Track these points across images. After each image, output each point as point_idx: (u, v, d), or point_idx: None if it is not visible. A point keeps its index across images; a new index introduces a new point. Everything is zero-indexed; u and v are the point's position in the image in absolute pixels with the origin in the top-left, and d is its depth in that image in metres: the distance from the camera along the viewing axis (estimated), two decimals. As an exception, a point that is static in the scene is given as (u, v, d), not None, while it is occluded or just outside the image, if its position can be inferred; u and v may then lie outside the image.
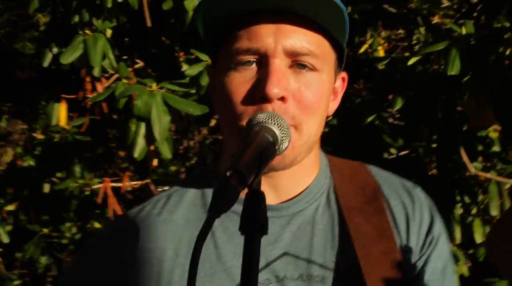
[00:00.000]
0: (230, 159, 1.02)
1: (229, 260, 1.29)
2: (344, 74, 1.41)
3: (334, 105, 1.40)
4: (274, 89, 1.20)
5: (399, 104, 2.34)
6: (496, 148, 3.11)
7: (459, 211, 2.93)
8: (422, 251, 1.36)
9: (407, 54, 3.86)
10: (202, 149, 4.41)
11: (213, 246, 1.30)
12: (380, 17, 3.78)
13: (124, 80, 3.06)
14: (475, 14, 3.02)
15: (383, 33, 3.76)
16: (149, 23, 3.52)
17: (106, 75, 3.50)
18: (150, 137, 2.93)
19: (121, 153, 4.58)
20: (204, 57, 3.42)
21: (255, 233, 0.97)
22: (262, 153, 1.06)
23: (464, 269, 3.02)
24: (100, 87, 3.48)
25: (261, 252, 0.97)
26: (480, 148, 3.06)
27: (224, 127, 1.34)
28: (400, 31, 3.85)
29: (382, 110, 2.64)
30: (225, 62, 1.29)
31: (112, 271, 1.34)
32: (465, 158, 2.73)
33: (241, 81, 1.25)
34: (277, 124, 1.15)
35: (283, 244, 1.31)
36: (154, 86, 2.92)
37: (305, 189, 1.36)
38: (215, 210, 0.92)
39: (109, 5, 3.26)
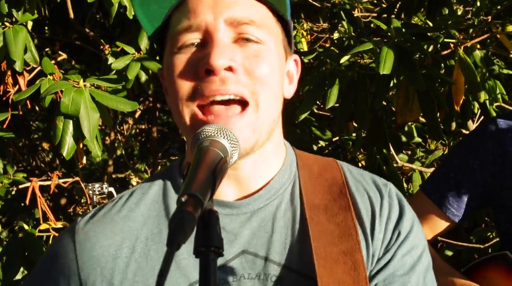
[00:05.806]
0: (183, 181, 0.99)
1: (184, 258, 1.27)
2: (296, 57, 1.38)
3: (291, 88, 1.38)
4: (219, 59, 1.17)
5: (332, 101, 2.38)
6: (417, 139, 3.29)
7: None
8: (388, 247, 1.31)
9: (327, 45, 3.96)
10: (128, 140, 4.35)
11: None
12: (303, 9, 3.85)
13: (50, 77, 2.95)
14: (395, 10, 3.13)
15: (305, 25, 3.83)
16: (71, 15, 3.42)
17: (28, 68, 3.37)
18: (78, 135, 2.86)
19: (45, 145, 4.44)
20: (130, 49, 3.35)
21: (210, 255, 0.92)
22: (215, 171, 1.01)
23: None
24: (22, 82, 3.35)
25: None
26: (403, 139, 3.22)
27: (178, 125, 1.31)
28: (322, 24, 3.93)
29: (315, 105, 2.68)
30: (170, 48, 1.27)
31: (67, 278, 1.31)
32: (392, 150, 2.86)
33: (184, 59, 1.23)
34: (226, 137, 1.11)
35: (242, 242, 1.28)
36: (81, 82, 2.85)
37: (267, 183, 1.33)
38: (174, 243, 0.86)
39: (30, -4, 3.14)
